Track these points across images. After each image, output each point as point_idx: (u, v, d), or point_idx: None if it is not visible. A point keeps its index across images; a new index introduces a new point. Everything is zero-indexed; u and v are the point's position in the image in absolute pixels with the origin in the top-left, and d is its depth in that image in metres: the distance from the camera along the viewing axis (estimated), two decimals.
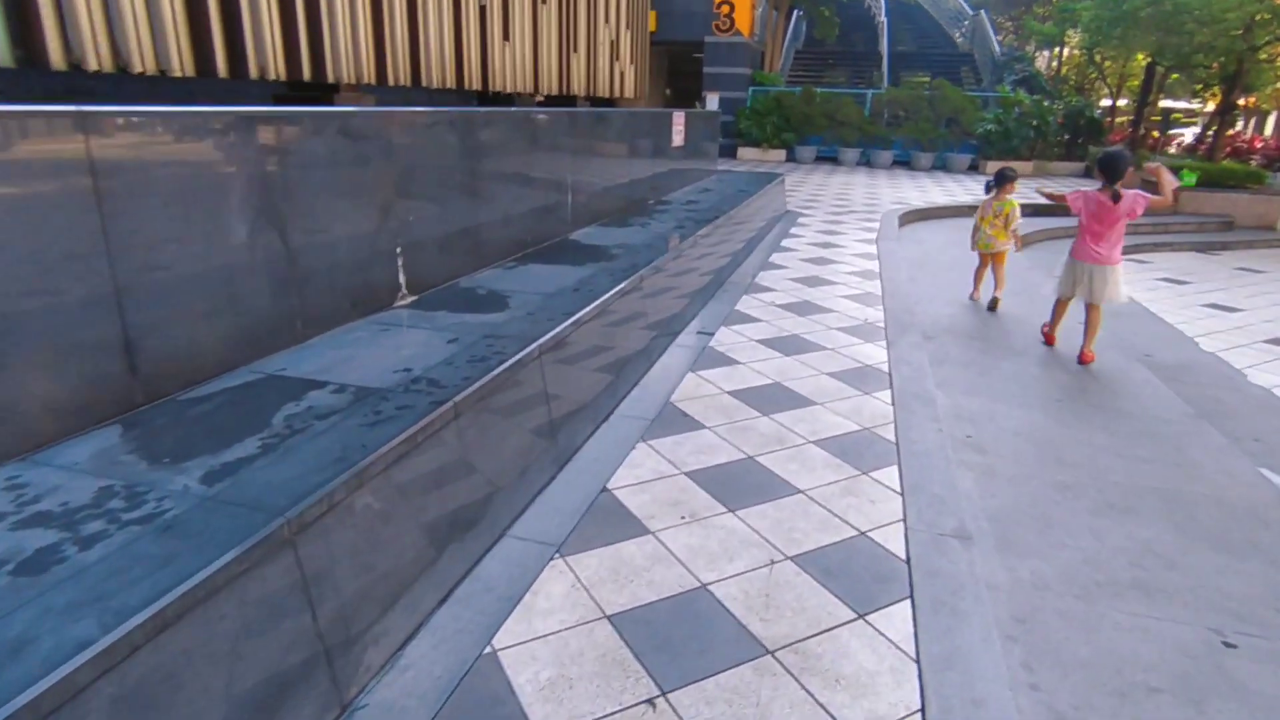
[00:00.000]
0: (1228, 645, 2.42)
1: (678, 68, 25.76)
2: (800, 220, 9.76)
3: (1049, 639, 2.38)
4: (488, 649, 2.08)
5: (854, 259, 7.47)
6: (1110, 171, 4.89)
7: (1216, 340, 6.62)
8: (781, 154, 19.32)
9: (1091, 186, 5.16)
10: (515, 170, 4.52)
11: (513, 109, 4.54)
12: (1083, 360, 5.02)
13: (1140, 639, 2.41)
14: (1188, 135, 27.02)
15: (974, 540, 2.70)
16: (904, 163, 18.91)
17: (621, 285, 3.90)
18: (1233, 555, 2.89)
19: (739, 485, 2.98)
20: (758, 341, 4.76)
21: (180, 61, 3.08)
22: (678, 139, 7.74)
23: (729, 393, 3.91)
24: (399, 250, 3.40)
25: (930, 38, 27.49)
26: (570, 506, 2.78)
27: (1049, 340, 5.35)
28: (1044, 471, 3.46)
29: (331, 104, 3.73)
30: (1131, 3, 13.57)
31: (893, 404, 3.84)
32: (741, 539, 2.61)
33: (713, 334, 4.87)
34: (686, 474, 3.05)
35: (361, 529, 1.97)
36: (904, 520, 2.76)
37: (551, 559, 2.48)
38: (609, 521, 2.71)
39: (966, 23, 27.42)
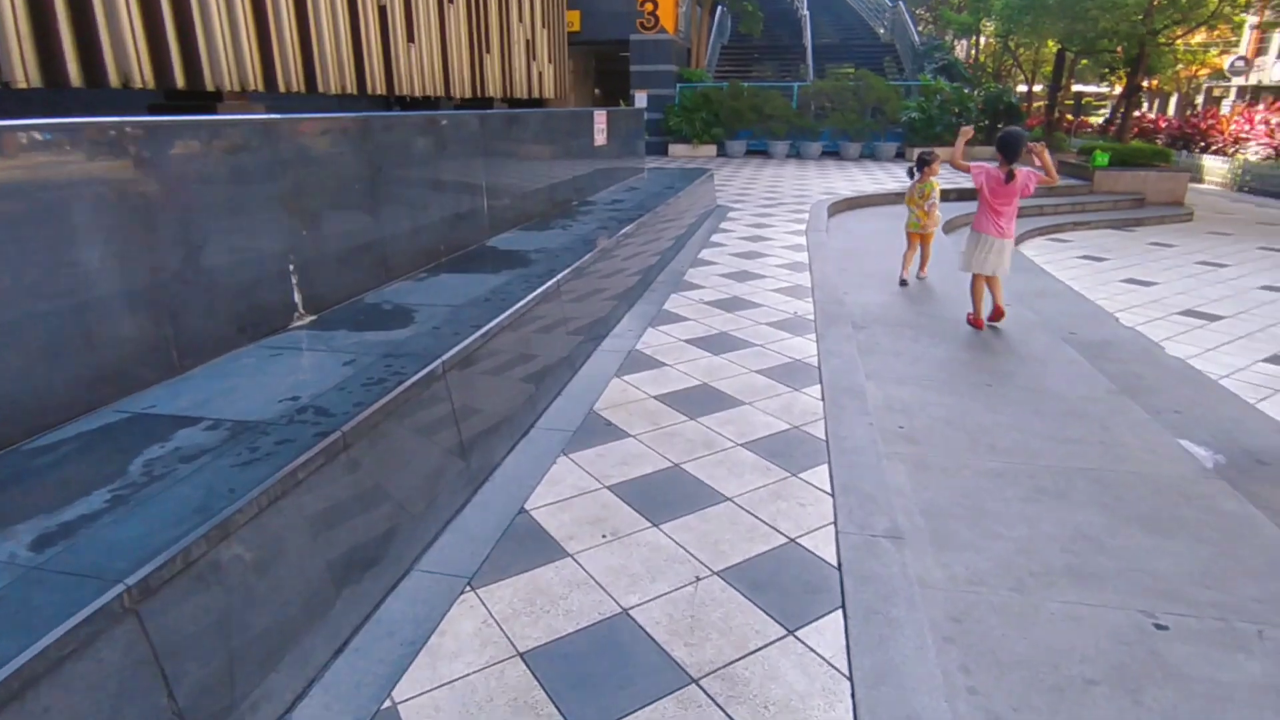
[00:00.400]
0: (1159, 627, 2.38)
1: (605, 67, 25.65)
2: (730, 215, 9.72)
3: (986, 637, 2.30)
4: (387, 702, 1.89)
5: (784, 252, 7.44)
6: (1008, 151, 5.11)
7: (1135, 315, 6.80)
8: (713, 149, 19.37)
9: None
10: (423, 177, 4.29)
11: (415, 113, 4.31)
12: (996, 314, 5.37)
13: (1075, 629, 2.35)
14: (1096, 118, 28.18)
15: (907, 539, 2.61)
16: (833, 153, 19.16)
17: (537, 291, 3.72)
18: (1160, 534, 2.88)
19: (664, 496, 2.84)
20: (686, 341, 4.64)
21: (25, 71, 2.79)
22: (600, 138, 7.58)
23: (655, 397, 3.77)
24: (292, 267, 3.15)
25: (852, 30, 27.97)
26: (484, 532, 2.60)
27: (977, 325, 5.40)
28: (976, 460, 3.42)
29: (213, 113, 3.46)
30: None
31: (823, 399, 3.76)
32: (666, 556, 2.47)
33: (640, 336, 4.73)
34: (609, 488, 2.90)
35: (231, 585, 1.75)
36: (835, 523, 2.66)
37: (462, 593, 2.29)
38: (526, 546, 2.54)
39: (886, 14, 27.98)
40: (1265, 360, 5.65)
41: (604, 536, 2.58)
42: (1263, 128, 18.53)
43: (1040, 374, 4.55)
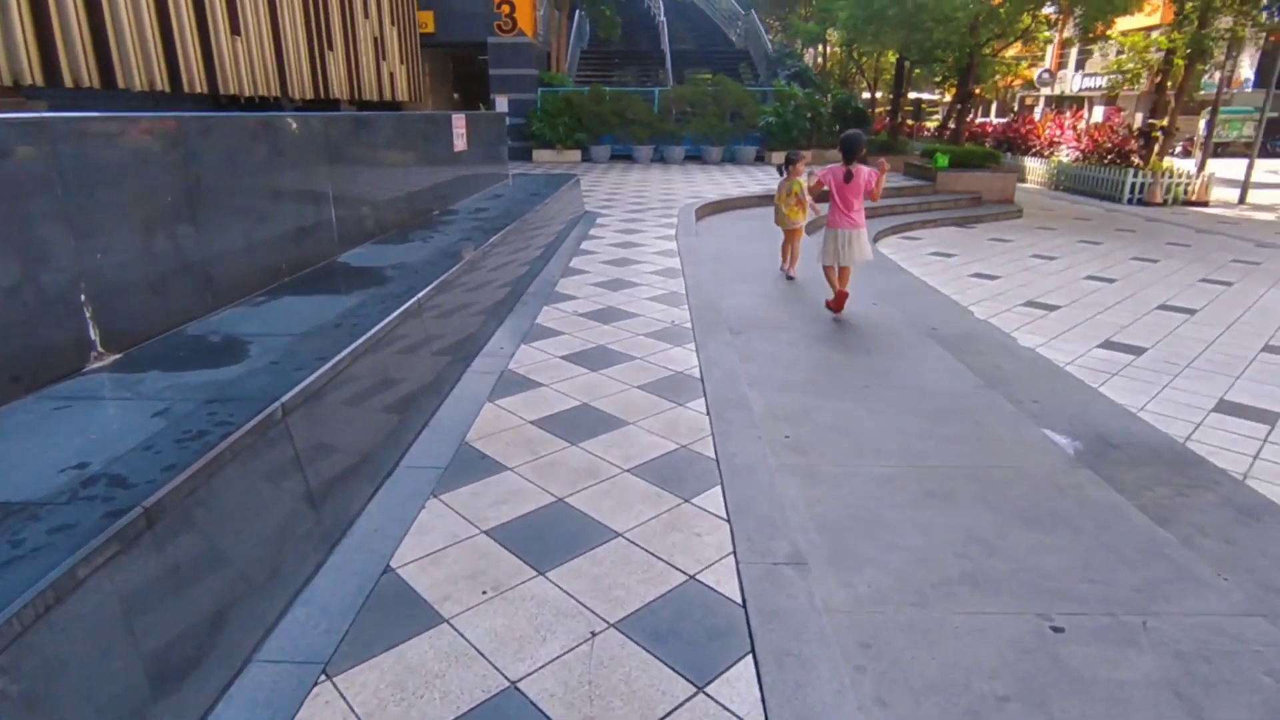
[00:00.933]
0: (1056, 630, 2.38)
1: (463, 71, 24.87)
2: (599, 220, 9.54)
3: (897, 661, 2.20)
4: None
5: (656, 258, 7.33)
6: (846, 151, 5.62)
7: (986, 307, 7.21)
8: (577, 154, 19.17)
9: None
10: (257, 186, 3.78)
11: (240, 114, 3.79)
12: (839, 300, 5.74)
13: (980, 641, 2.30)
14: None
15: (809, 565, 2.48)
16: (696, 157, 19.48)
17: (396, 313, 3.34)
18: (1042, 529, 2.92)
19: (550, 538, 2.57)
20: (562, 358, 4.37)
21: None
22: (460, 143, 7.17)
23: (533, 422, 3.49)
24: (84, 297, 2.62)
25: (708, 36, 28.70)
26: (341, 602, 2.23)
27: (834, 307, 5.76)
28: (865, 466, 3.37)
29: None
30: (880, 3, 14.80)
31: (708, 414, 3.61)
32: (556, 609, 2.20)
33: (512, 354, 4.42)
34: (488, 533, 2.59)
35: None
36: (734, 553, 2.49)
37: (315, 684, 1.92)
38: (393, 614, 2.19)
39: (740, 22, 28.92)
40: (1099, 346, 6.10)
41: (484, 593, 2.28)
42: (1071, 133, 20.58)
43: (913, 372, 4.65)
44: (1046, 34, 25.24)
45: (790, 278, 6.91)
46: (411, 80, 7.99)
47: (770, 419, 3.82)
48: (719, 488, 2.91)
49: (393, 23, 7.50)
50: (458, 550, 2.49)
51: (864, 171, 5.53)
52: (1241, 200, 17.26)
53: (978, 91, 27.46)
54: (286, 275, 3.97)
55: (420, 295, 3.69)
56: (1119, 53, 21.83)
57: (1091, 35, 18.35)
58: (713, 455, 3.19)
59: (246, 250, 3.60)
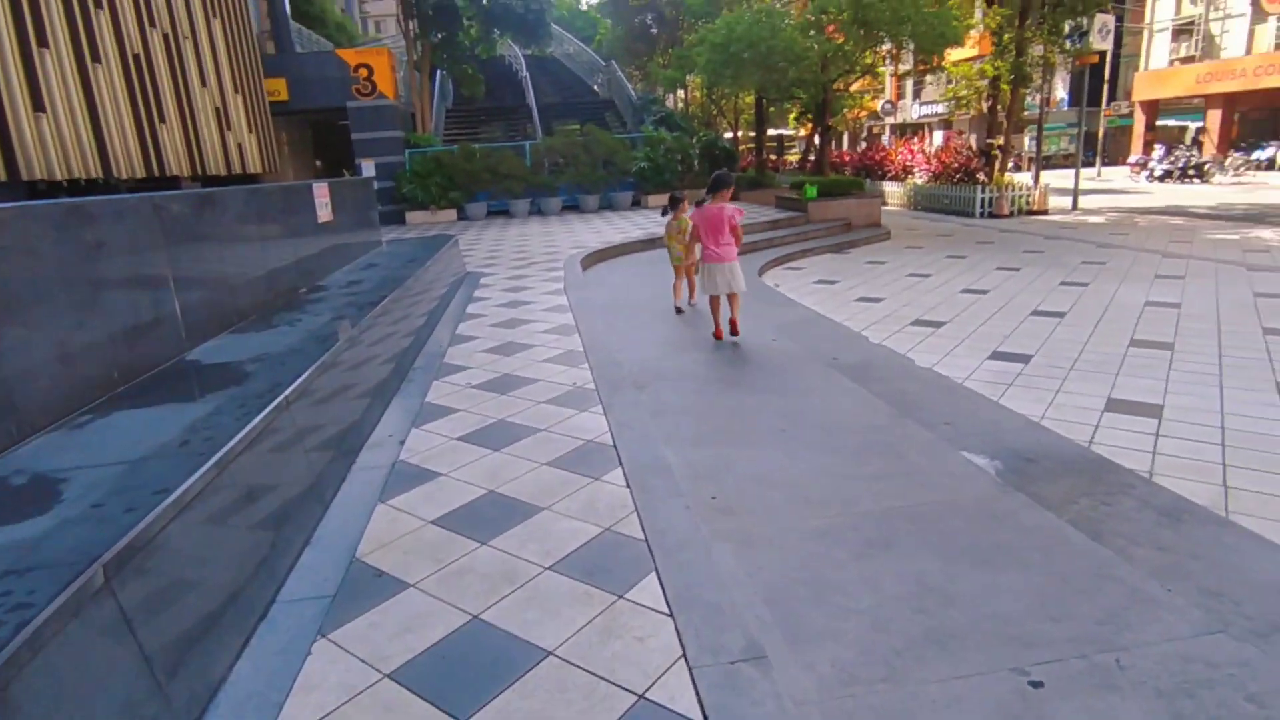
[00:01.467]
0: (1035, 685, 2.19)
1: (325, 138, 24.01)
2: (483, 280, 9.16)
3: None
4: None
5: (547, 315, 7.03)
6: (712, 189, 6.05)
7: (878, 330, 7.32)
8: (453, 214, 18.73)
9: (739, 206, 5.98)
10: (70, 284, 3.21)
11: (36, 203, 3.21)
12: (732, 328, 6.10)
13: (961, 713, 2.08)
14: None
15: (768, 657, 2.20)
16: (573, 206, 19.45)
17: (258, 419, 2.86)
18: (991, 568, 2.78)
19: (467, 671, 2.17)
20: (459, 439, 3.96)
21: None
22: (325, 213, 6.67)
23: (434, 522, 3.07)
24: None
25: (572, 89, 29.11)
26: None
27: (718, 336, 6.13)
28: (798, 519, 3.16)
29: None
30: (736, 47, 15.37)
31: (628, 485, 3.31)
32: None
33: (403, 442, 3.97)
34: (391, 675, 2.16)
35: None
36: (684, 655, 2.18)
37: None
38: None
39: (601, 73, 29.53)
40: (990, 358, 6.27)
41: None
42: (921, 156, 22.05)
43: (826, 408, 4.54)
44: (883, 69, 27.20)
45: (692, 304, 7.49)
46: (265, 150, 7.42)
47: (693, 479, 3.56)
48: (654, 574, 2.60)
49: (236, 91, 6.95)
50: (355, 707, 2.04)
51: (727, 209, 5.89)
52: (1074, 207, 18.91)
53: (832, 124, 29.16)
54: (120, 384, 3.39)
55: (288, 391, 3.22)
56: (950, 82, 23.75)
57: (927, 66, 19.83)
58: (641, 535, 2.87)
59: (60, 361, 3.02)
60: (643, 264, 10.86)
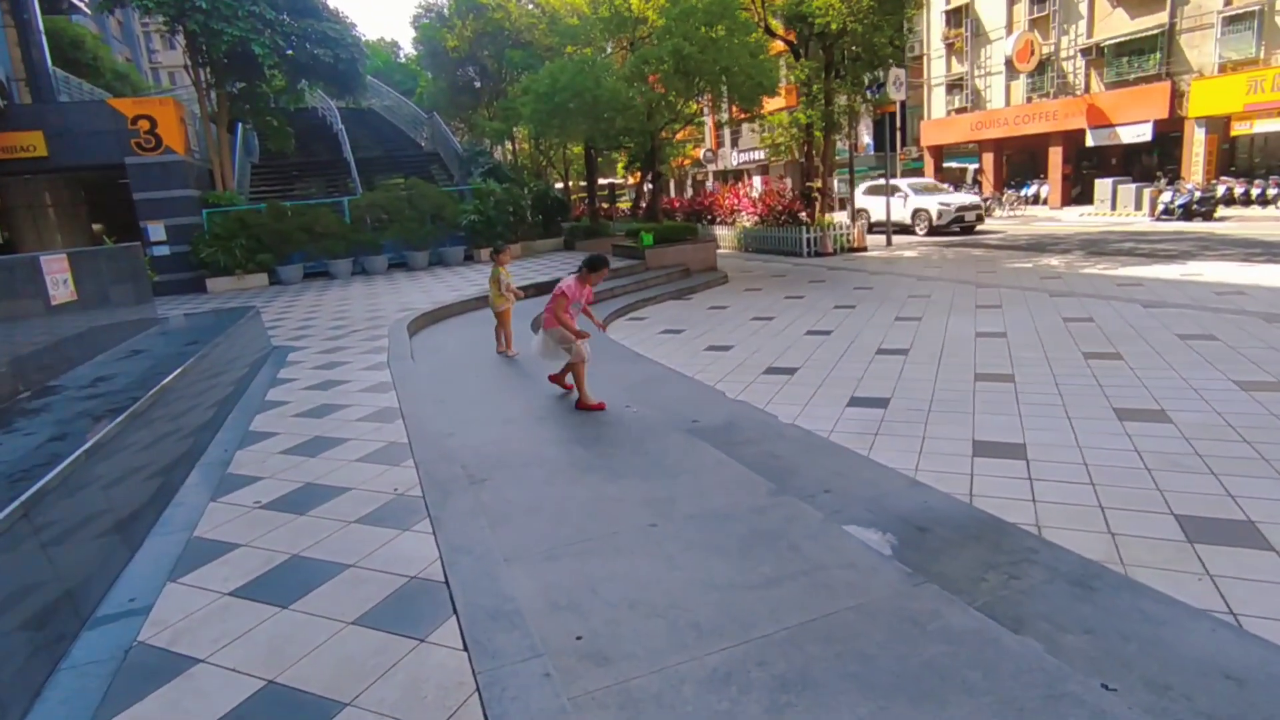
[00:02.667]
0: None
1: (102, 199, 21.07)
2: (291, 357, 7.93)
3: None
4: None
5: (365, 396, 6.02)
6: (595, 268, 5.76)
7: (733, 383, 6.93)
8: (263, 278, 16.86)
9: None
10: None
11: None
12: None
13: None
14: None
15: None
16: (401, 264, 18.22)
17: None
18: (932, 701, 2.24)
19: None
20: (231, 595, 2.95)
21: None
22: (62, 292, 5.31)
23: None
24: None
25: (393, 142, 27.77)
26: None
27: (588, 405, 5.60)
28: (688, 661, 2.49)
29: None
30: (561, 97, 15.07)
31: (465, 647, 2.49)
32: None
33: (151, 605, 2.90)
34: None
35: None
36: None
37: None
38: None
39: (424, 126, 28.47)
40: (849, 405, 6.02)
41: None
42: (747, 200, 22.86)
43: (698, 491, 3.94)
44: (703, 119, 28.28)
45: (510, 355, 7.67)
46: None
47: (550, 612, 2.81)
48: None
49: None
50: None
51: (561, 286, 5.61)
52: (889, 244, 20.23)
53: (661, 171, 29.85)
54: None
55: None
56: (767, 130, 25.01)
57: (747, 114, 20.66)
58: None
59: None
60: (476, 323, 10.00)
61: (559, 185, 31.73)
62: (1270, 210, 22.65)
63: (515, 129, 25.28)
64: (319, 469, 4.32)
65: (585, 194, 25.10)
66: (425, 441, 4.65)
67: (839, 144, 21.53)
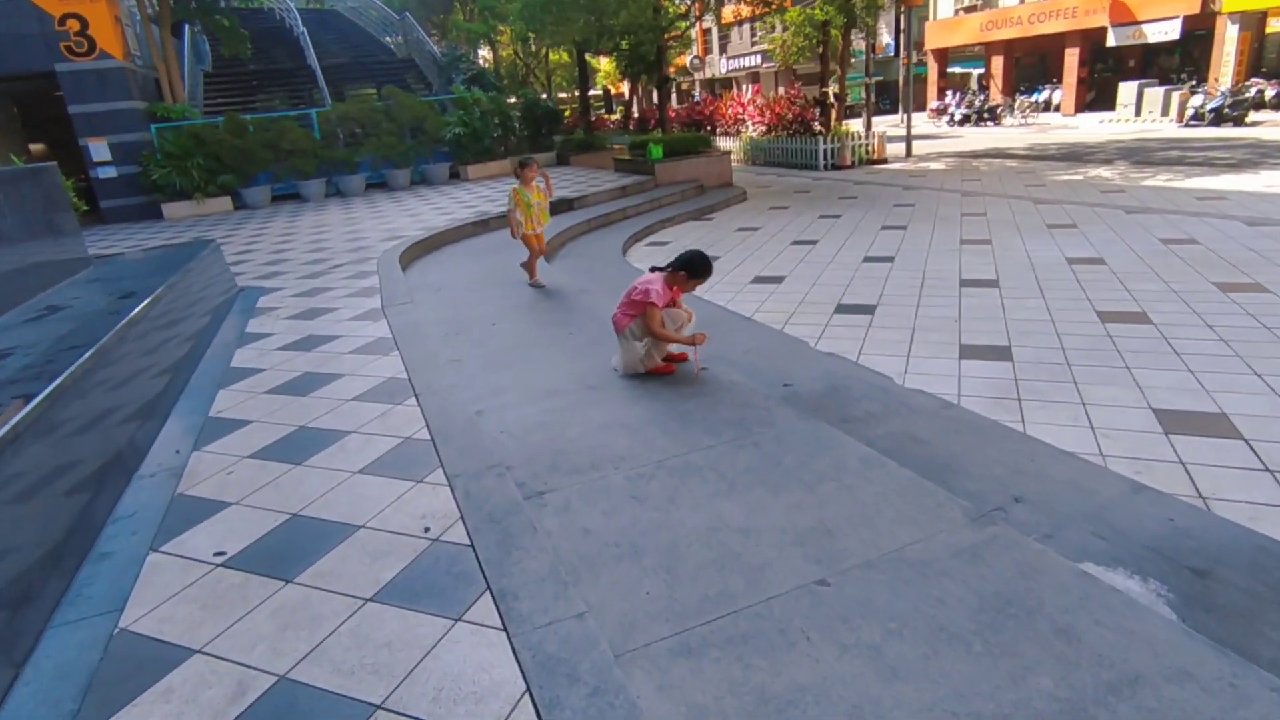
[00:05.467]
0: None
1: (37, 114, 18.83)
2: (263, 302, 6.57)
3: None
4: None
5: (359, 360, 4.73)
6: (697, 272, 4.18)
7: (804, 328, 5.71)
8: (226, 201, 15.15)
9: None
10: None
11: None
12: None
13: None
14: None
15: None
16: (380, 184, 16.53)
17: None
18: None
19: None
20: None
21: None
22: None
23: None
24: None
25: (363, 48, 25.21)
26: None
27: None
28: None
29: None
30: None
31: None
32: None
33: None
34: None
35: None
36: None
37: None
38: None
39: (396, 29, 25.88)
40: (964, 358, 4.85)
41: None
42: (753, 109, 21.04)
43: (855, 510, 2.77)
44: (695, 18, 25.96)
45: (537, 284, 6.55)
46: None
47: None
48: None
49: None
50: None
51: (646, 289, 4.00)
52: (909, 154, 18.69)
53: (641, 81, 27.62)
54: None
55: None
56: (770, 32, 22.89)
57: (766, 9, 18.80)
58: None
59: None
60: (482, 252, 8.62)
61: (543, 96, 29.43)
62: None
63: (496, 32, 22.94)
64: (306, 490, 3.08)
65: (576, 104, 23.07)
66: (451, 432, 3.42)
67: (856, 44, 19.65)
